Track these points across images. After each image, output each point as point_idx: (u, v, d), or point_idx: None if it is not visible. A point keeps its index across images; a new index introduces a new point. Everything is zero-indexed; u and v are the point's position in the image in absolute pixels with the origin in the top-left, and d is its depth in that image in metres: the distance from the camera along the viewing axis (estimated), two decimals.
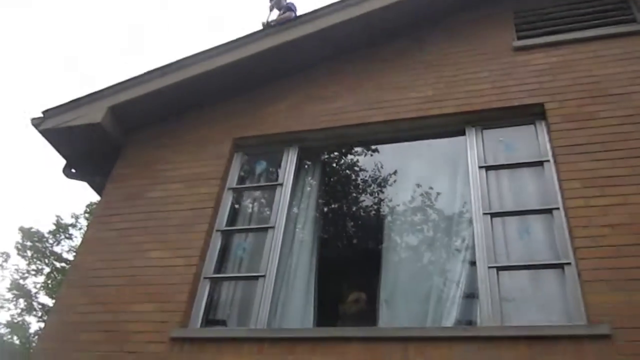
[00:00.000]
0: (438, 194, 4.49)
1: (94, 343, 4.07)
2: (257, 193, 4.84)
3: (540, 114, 4.36)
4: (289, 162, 4.82)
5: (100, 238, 4.75)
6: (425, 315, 3.93)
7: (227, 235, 4.61)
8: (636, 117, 4.00)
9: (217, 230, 4.54)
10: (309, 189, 4.86)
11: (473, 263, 3.87)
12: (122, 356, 3.94)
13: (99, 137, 5.30)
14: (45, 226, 31.52)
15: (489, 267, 3.69)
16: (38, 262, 19.01)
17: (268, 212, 4.62)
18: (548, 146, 4.17)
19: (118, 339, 4.04)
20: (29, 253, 19.18)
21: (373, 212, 4.60)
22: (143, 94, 5.25)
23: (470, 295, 3.81)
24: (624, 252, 3.39)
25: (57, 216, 20.51)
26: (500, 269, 3.69)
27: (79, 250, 4.77)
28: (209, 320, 4.17)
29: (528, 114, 4.41)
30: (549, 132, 4.21)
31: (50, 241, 19.12)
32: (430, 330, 3.49)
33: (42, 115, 5.38)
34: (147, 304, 4.16)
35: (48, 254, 18.69)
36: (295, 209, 4.66)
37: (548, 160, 4.09)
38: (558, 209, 3.82)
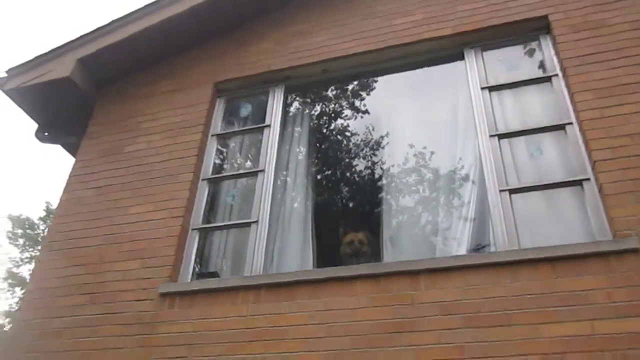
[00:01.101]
0: (438, 122, 4.13)
1: (77, 307, 3.75)
2: (244, 137, 4.47)
3: (544, 28, 4.00)
4: (276, 102, 4.46)
5: (78, 198, 4.39)
6: (433, 250, 3.64)
7: (214, 184, 4.27)
8: None
9: (203, 180, 4.20)
10: (298, 129, 4.51)
11: (482, 189, 3.56)
12: (108, 318, 3.64)
13: (70, 93, 4.89)
14: (35, 213, 31.11)
15: (501, 191, 3.38)
16: (31, 249, 18.65)
17: (256, 157, 4.28)
18: (555, 60, 3.83)
19: (102, 300, 3.72)
20: (21, 241, 18.81)
21: (369, 148, 4.26)
22: (113, 42, 4.81)
23: (481, 223, 3.50)
24: None
25: (47, 202, 20.07)
26: (512, 191, 3.38)
27: (56, 213, 4.42)
28: (200, 273, 3.85)
29: (531, 29, 4.05)
30: (555, 45, 3.86)
31: (42, 227, 18.73)
32: (440, 261, 3.18)
33: (5, 74, 4.96)
34: (131, 262, 3.84)
35: (40, 241, 18.31)
36: (285, 151, 4.31)
37: (556, 75, 3.76)
38: (571, 124, 3.50)
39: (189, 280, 3.72)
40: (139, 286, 3.70)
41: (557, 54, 3.82)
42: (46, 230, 18.80)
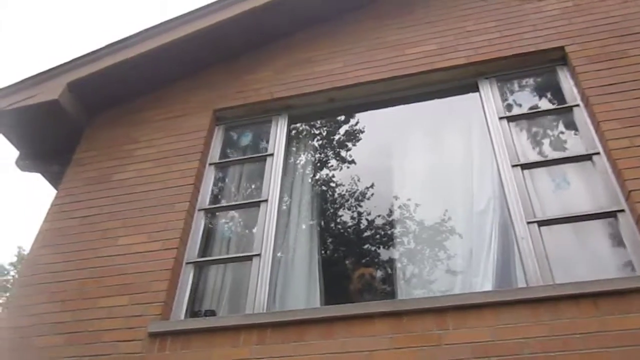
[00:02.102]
0: (452, 152, 3.91)
1: (52, 348, 3.31)
2: (244, 167, 4.18)
3: (560, 59, 3.89)
4: (279, 130, 4.22)
5: (59, 229, 4.00)
6: (452, 287, 3.32)
7: (211, 215, 3.94)
8: None
9: (200, 210, 3.87)
10: (302, 159, 4.25)
11: (504, 222, 3.31)
12: None
13: (58, 118, 4.58)
14: (6, 258, 29.82)
15: (528, 223, 3.12)
16: (0, 296, 17.63)
17: (257, 187, 3.99)
18: (575, 90, 3.69)
19: (82, 341, 3.29)
20: None
21: (380, 179, 3.99)
22: (105, 67, 4.57)
23: (506, 259, 3.22)
24: None
25: (19, 247, 19.18)
26: (541, 223, 3.12)
27: (33, 245, 4.01)
28: (195, 311, 3.47)
29: (546, 61, 3.94)
30: (573, 76, 3.73)
31: (12, 273, 17.77)
32: (469, 297, 2.86)
33: None
34: (117, 298, 3.43)
35: (10, 287, 17.34)
36: (288, 182, 4.02)
37: (577, 105, 3.60)
38: (598, 153, 3.31)
39: (182, 319, 3.32)
40: (125, 325, 3.28)
41: (577, 84, 3.68)
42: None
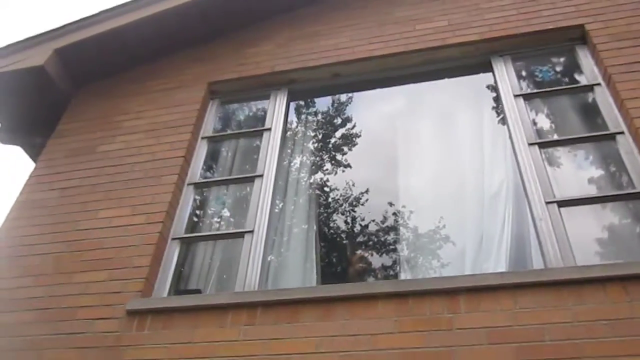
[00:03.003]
0: (464, 131, 3.65)
1: (22, 325, 3.01)
2: (239, 142, 3.90)
3: (579, 38, 3.66)
4: (278, 105, 3.96)
5: (36, 200, 3.71)
6: (462, 272, 3.04)
7: (201, 190, 3.66)
8: None
9: (190, 184, 3.59)
10: (301, 136, 3.98)
11: (519, 204, 3.05)
12: (59, 339, 2.90)
13: (43, 86, 4.30)
14: None
15: (547, 203, 2.86)
16: None
17: (252, 162, 3.71)
18: (595, 69, 3.45)
19: (54, 317, 2.99)
20: None
21: (382, 159, 3.73)
22: (96, 35, 4.29)
23: (521, 243, 2.95)
24: None
25: None
26: (561, 204, 2.86)
27: (7, 216, 3.70)
28: (180, 290, 3.18)
29: (565, 39, 3.70)
30: (594, 54, 3.50)
31: None
32: (483, 278, 2.59)
33: None
34: (94, 273, 3.14)
35: None
36: (286, 159, 3.75)
37: (599, 84, 3.36)
38: (622, 133, 3.06)
39: (165, 297, 3.03)
40: (102, 302, 2.99)
41: (598, 63, 3.45)
42: None
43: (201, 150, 3.82)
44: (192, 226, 3.48)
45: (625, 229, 2.81)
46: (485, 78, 3.82)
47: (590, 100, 3.37)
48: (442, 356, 2.35)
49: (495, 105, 3.63)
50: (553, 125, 3.35)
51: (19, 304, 3.12)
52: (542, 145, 3.17)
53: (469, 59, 3.86)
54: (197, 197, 3.61)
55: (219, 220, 3.55)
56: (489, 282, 2.53)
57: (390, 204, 3.57)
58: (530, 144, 3.17)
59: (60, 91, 4.38)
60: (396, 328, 2.49)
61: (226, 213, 3.58)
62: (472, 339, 2.36)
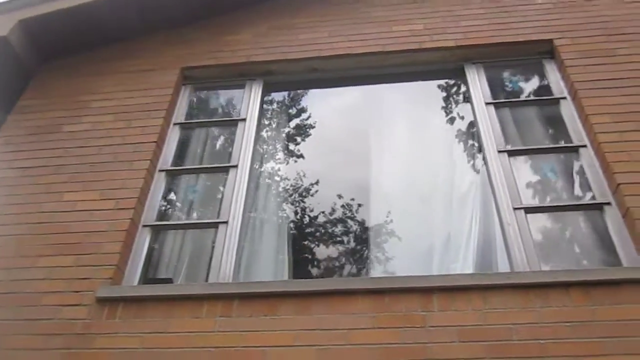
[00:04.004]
0: (432, 139, 3.76)
1: None
2: (213, 130, 3.87)
3: (547, 52, 3.84)
4: (253, 96, 3.94)
5: None
6: (430, 271, 3.14)
7: (173, 177, 3.60)
8: None
9: (161, 171, 3.53)
10: (275, 128, 3.98)
11: (486, 208, 3.20)
12: (21, 325, 2.80)
13: (5, 58, 4.07)
14: None
15: (515, 209, 3.01)
16: None
17: (224, 152, 3.69)
18: (562, 84, 3.64)
19: (17, 302, 2.88)
20: None
21: (355, 159, 3.77)
22: (66, 7, 4.10)
23: (487, 245, 3.09)
24: None
25: None
26: (528, 210, 3.01)
27: None
28: (150, 278, 3.12)
29: (534, 52, 3.87)
30: (561, 69, 3.68)
31: None
32: (455, 279, 2.70)
33: None
34: (60, 257, 3.05)
35: None
36: (260, 150, 3.75)
37: (565, 98, 3.55)
38: (585, 146, 3.25)
39: (136, 285, 2.97)
40: (69, 288, 2.90)
41: (564, 77, 3.63)
42: None
43: (173, 137, 3.75)
44: (163, 214, 3.42)
45: (585, 237, 2.99)
46: (460, 82, 3.95)
47: (556, 112, 3.54)
48: (416, 352, 2.44)
49: (463, 111, 3.75)
50: (521, 135, 3.49)
51: None
52: (511, 153, 3.32)
53: (443, 64, 3.97)
54: (169, 185, 3.54)
55: (189, 209, 3.51)
56: (461, 283, 2.64)
57: (340, 197, 3.61)
58: (500, 151, 3.32)
59: (23, 65, 4.18)
60: (372, 324, 2.56)
61: (197, 202, 3.53)
62: (445, 337, 2.47)
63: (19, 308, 2.86)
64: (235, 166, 3.47)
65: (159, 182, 3.48)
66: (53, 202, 3.32)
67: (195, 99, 4.10)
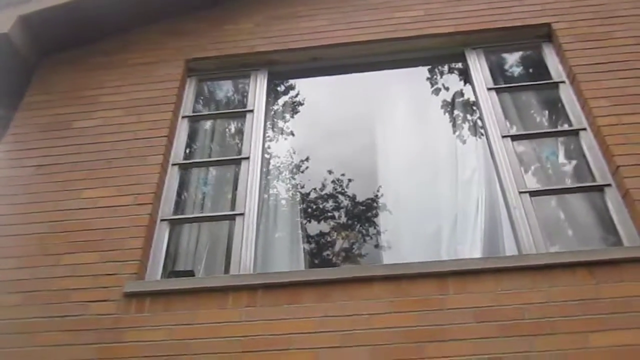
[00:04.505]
0: (434, 122, 3.88)
1: (11, 308, 2.97)
2: (221, 122, 3.94)
3: (545, 36, 3.94)
4: (259, 86, 4.00)
5: (10, 177, 3.59)
6: (438, 255, 3.29)
7: (185, 170, 3.68)
8: None
9: (174, 164, 3.60)
10: (283, 118, 4.06)
11: (490, 192, 3.34)
12: (51, 322, 2.90)
13: (7, 55, 4.07)
14: None
15: (520, 192, 3.15)
16: None
17: (235, 143, 3.77)
18: (560, 68, 3.75)
19: (44, 300, 2.98)
20: None
21: (364, 146, 3.89)
22: (66, 1, 4.10)
23: (493, 228, 3.24)
24: None
25: None
26: (533, 194, 3.16)
27: None
28: (172, 272, 3.23)
29: (532, 36, 3.97)
30: (559, 53, 3.79)
31: None
32: (469, 263, 2.85)
33: None
34: (83, 254, 3.13)
35: None
36: (268, 140, 3.83)
37: (564, 82, 3.67)
38: (585, 129, 3.39)
39: (161, 279, 3.09)
40: (95, 284, 3.00)
41: (562, 61, 3.74)
42: None
43: (182, 130, 3.82)
44: (178, 207, 3.51)
45: (588, 218, 3.15)
46: (459, 69, 4.05)
47: (556, 96, 3.66)
48: (435, 334, 2.60)
49: (465, 96, 3.86)
50: (522, 119, 3.62)
51: (3, 287, 3.06)
52: (514, 137, 3.45)
53: (444, 50, 4.06)
54: (182, 178, 3.62)
55: (203, 201, 3.60)
56: (473, 267, 2.79)
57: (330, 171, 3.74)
58: (504, 136, 3.44)
59: (26, 61, 4.18)
60: (391, 308, 2.71)
61: (211, 194, 3.63)
62: (461, 318, 2.63)
63: (47, 305, 2.95)
64: (247, 158, 3.56)
65: (173, 176, 3.56)
66: (72, 200, 3.39)
67: (200, 91, 4.15)
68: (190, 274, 3.21)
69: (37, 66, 4.23)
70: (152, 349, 2.74)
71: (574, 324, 2.54)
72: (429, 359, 2.55)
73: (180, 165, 3.63)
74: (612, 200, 3.06)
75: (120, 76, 4.03)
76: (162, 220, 3.33)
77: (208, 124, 3.96)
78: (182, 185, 3.64)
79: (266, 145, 3.76)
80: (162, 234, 3.28)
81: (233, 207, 3.37)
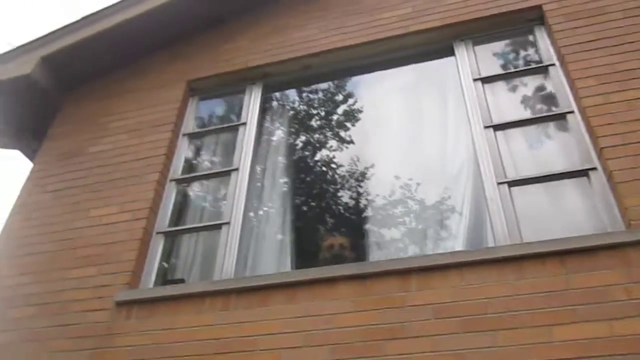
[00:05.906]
0: (427, 118, 3.82)
1: (26, 319, 3.30)
2: (218, 137, 4.13)
3: (538, 19, 3.77)
4: (253, 100, 4.15)
5: (34, 202, 3.98)
6: (424, 252, 3.25)
7: (183, 185, 3.89)
8: None
9: (172, 180, 3.83)
10: (276, 129, 4.18)
11: (476, 184, 3.24)
12: (58, 331, 3.19)
13: (32, 93, 4.54)
14: None
15: (499, 184, 3.05)
16: None
17: (230, 156, 3.92)
18: (551, 50, 3.58)
19: (52, 311, 3.28)
20: None
21: (355, 145, 3.92)
22: (80, 40, 4.49)
23: (477, 220, 3.15)
24: None
25: None
26: (511, 184, 3.04)
27: (8, 219, 3.99)
28: (165, 280, 3.44)
29: (524, 20, 3.82)
30: (550, 35, 3.62)
31: None
32: (434, 258, 2.81)
33: None
34: (87, 268, 3.42)
35: None
36: (262, 152, 3.96)
37: (553, 64, 3.50)
38: (572, 112, 3.21)
39: (149, 287, 3.29)
40: (94, 295, 3.27)
41: (553, 43, 3.57)
42: None
43: (182, 147, 4.04)
44: (175, 219, 3.72)
45: (571, 206, 2.98)
46: (451, 60, 3.96)
47: (545, 80, 3.50)
48: (395, 331, 2.59)
49: (453, 89, 3.77)
50: (510, 107, 3.49)
51: (21, 300, 3.40)
52: (497, 127, 3.33)
53: (432, 45, 3.99)
54: (179, 192, 3.84)
55: (199, 213, 3.79)
56: (439, 262, 2.74)
57: (361, 184, 3.75)
58: (486, 127, 3.34)
59: (49, 95, 4.61)
60: (354, 308, 2.73)
61: (207, 206, 3.81)
62: (420, 315, 2.59)
63: (55, 316, 3.25)
64: (237, 169, 3.70)
65: (170, 191, 3.78)
66: (81, 219, 3.70)
67: (202, 109, 4.37)
68: (181, 281, 3.39)
69: (61, 100, 4.66)
70: (138, 352, 2.94)
71: (538, 317, 2.43)
72: (388, 356, 2.54)
73: (177, 180, 3.84)
74: (597, 184, 2.88)
75: (127, 102, 4.35)
76: (157, 233, 3.55)
77: (207, 140, 4.16)
78: (181, 199, 3.85)
79: (257, 155, 3.88)
80: (157, 246, 3.50)
81: (222, 217, 3.52)
